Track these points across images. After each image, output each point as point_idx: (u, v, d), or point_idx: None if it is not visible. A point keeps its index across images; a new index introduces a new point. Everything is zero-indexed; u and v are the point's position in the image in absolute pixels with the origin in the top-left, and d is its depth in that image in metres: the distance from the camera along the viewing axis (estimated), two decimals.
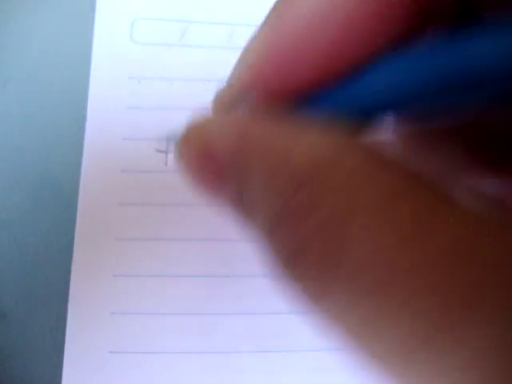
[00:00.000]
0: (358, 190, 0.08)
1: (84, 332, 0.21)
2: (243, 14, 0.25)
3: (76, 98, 0.24)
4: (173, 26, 0.25)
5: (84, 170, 0.22)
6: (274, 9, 0.11)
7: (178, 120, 0.23)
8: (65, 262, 0.22)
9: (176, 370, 0.21)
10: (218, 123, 0.11)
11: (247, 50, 0.11)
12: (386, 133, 0.12)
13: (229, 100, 0.13)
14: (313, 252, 0.09)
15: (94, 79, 0.24)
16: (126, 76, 0.24)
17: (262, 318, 0.21)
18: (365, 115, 0.10)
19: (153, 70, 0.24)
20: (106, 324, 0.21)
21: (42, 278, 0.22)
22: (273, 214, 0.09)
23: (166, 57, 0.24)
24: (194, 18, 0.25)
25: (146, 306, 0.21)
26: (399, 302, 0.08)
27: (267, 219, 0.10)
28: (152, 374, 0.21)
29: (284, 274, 0.10)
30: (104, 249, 0.22)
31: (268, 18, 0.11)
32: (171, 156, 0.23)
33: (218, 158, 0.11)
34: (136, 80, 0.24)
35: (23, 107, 0.24)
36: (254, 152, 0.10)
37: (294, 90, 0.10)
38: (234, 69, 0.12)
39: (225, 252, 0.22)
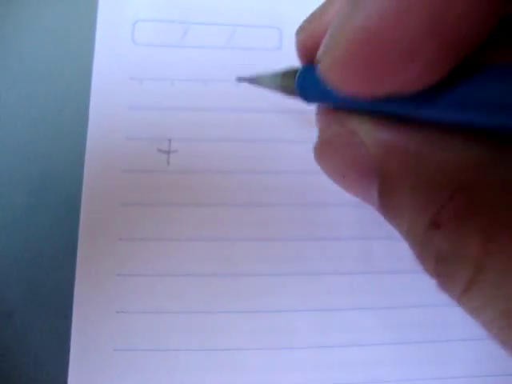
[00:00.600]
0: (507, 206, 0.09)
1: (89, 330, 0.21)
2: (244, 15, 0.25)
3: (78, 98, 0.24)
4: (174, 27, 0.25)
5: (86, 170, 0.23)
6: None
7: (180, 120, 0.24)
8: (69, 261, 0.22)
9: (181, 367, 0.21)
10: (363, 132, 0.12)
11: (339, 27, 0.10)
12: None
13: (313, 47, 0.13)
14: (461, 257, 0.09)
15: (95, 80, 0.24)
16: (128, 77, 0.24)
17: (267, 316, 0.22)
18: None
19: (154, 70, 0.24)
20: (111, 322, 0.21)
21: (47, 277, 0.22)
22: (425, 221, 0.10)
23: (168, 57, 0.24)
24: (195, 19, 0.25)
25: (150, 305, 0.21)
26: None
27: (417, 226, 0.10)
28: (157, 372, 0.21)
29: (426, 269, 0.11)
30: (107, 249, 0.22)
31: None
32: (173, 156, 0.23)
33: (361, 163, 0.12)
34: (138, 81, 0.24)
35: (25, 108, 0.24)
36: (402, 159, 0.10)
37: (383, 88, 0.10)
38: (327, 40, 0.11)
39: (228, 251, 0.22)
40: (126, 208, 0.22)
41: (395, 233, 0.23)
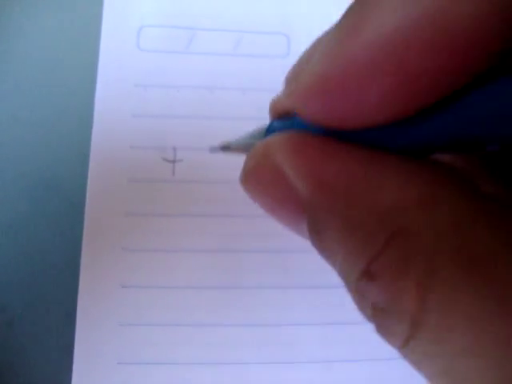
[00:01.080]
0: (453, 249, 0.08)
1: (92, 342, 0.21)
2: (250, 21, 0.25)
3: (82, 106, 0.23)
4: (180, 33, 0.24)
5: (90, 179, 0.22)
6: (349, 16, 0.09)
7: (185, 128, 0.23)
8: (72, 271, 0.22)
9: (184, 381, 0.21)
10: (288, 158, 0.10)
11: (309, 60, 0.10)
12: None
13: (283, 109, 0.13)
14: (396, 311, 0.09)
15: (100, 87, 0.23)
16: (133, 84, 0.24)
17: (274, 330, 0.21)
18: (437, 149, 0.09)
19: (159, 77, 0.24)
20: (115, 335, 0.21)
21: (49, 287, 0.22)
22: (358, 269, 0.09)
23: (173, 64, 0.24)
24: (201, 25, 0.25)
25: (153, 317, 0.21)
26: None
27: (350, 272, 0.09)
28: None
29: (364, 316, 0.10)
30: (111, 259, 0.22)
31: (341, 27, 0.09)
32: (178, 165, 0.23)
33: (288, 198, 0.10)
34: (143, 88, 0.24)
35: (29, 115, 0.23)
36: (329, 197, 0.09)
37: (353, 122, 0.09)
38: (291, 76, 0.11)
39: (234, 263, 0.22)
40: (130, 218, 0.22)
41: None
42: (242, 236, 0.22)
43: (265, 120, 0.24)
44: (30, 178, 0.23)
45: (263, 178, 0.11)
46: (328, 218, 0.09)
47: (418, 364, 0.09)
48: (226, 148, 0.17)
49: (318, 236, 0.10)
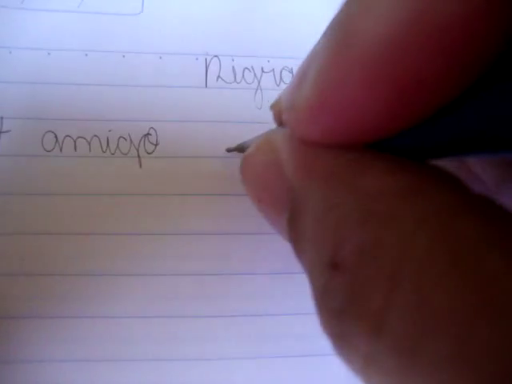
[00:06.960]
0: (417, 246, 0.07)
1: None
2: None
3: None
4: None
5: None
6: (337, 30, 0.09)
7: (15, 95, 0.20)
8: None
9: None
10: (284, 148, 0.10)
11: (304, 79, 0.09)
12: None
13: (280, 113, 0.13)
14: (356, 312, 0.08)
15: None
16: None
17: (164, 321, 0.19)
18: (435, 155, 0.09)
19: None
20: None
21: None
22: (324, 259, 0.08)
23: (5, 21, 0.21)
24: None
25: (21, 308, 0.18)
26: None
27: (318, 264, 0.08)
28: None
29: (325, 329, 0.08)
30: None
31: (329, 42, 0.09)
32: (5, 136, 0.20)
33: (276, 185, 0.10)
34: None
35: None
36: (311, 178, 0.09)
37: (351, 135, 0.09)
38: (290, 95, 0.10)
39: (106, 246, 0.19)
40: None
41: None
42: (85, 216, 0.19)
43: (107, 84, 0.21)
44: None
45: (259, 161, 0.11)
46: (306, 197, 0.09)
47: None
48: (241, 149, 0.19)
49: (293, 224, 0.09)
